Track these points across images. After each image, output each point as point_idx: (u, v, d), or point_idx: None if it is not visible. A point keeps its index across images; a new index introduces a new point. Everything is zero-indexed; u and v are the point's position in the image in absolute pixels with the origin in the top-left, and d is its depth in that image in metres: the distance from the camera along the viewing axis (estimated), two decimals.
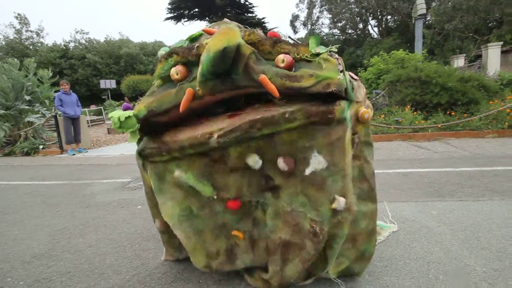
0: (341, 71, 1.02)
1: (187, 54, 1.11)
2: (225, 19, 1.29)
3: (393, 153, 4.17)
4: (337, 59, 1.06)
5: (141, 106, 1.15)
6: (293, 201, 1.13)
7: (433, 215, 2.05)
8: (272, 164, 1.10)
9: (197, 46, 1.09)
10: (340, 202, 1.07)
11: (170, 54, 1.14)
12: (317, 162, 1.05)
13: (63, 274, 1.56)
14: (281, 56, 1.05)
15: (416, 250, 1.61)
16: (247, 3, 16.61)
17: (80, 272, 1.57)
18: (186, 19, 17.55)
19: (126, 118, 1.14)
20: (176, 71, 1.12)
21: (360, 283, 1.36)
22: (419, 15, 9.14)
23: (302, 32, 25.84)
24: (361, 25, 23.88)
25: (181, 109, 1.07)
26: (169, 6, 16.63)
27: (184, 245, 1.27)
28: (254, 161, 1.10)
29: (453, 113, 5.62)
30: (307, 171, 1.07)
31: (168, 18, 17.46)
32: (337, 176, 1.07)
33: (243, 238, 1.26)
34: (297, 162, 1.08)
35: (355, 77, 1.24)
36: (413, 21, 9.81)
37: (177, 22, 17.75)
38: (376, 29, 23.32)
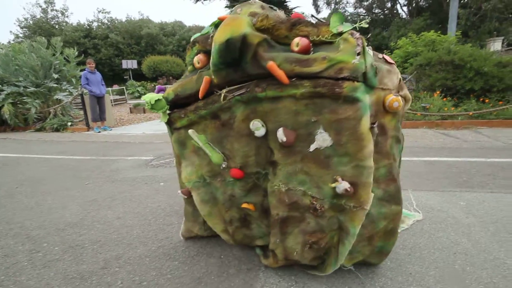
0: (358, 54, 0.93)
1: (205, 44, 1.19)
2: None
3: (419, 141, 3.99)
4: (357, 39, 0.96)
5: (170, 90, 1.28)
6: (291, 180, 1.13)
7: (461, 206, 1.96)
8: (274, 136, 1.10)
9: (212, 35, 1.13)
10: (340, 185, 1.03)
11: (194, 43, 1.25)
12: (322, 139, 1.04)
13: (94, 242, 1.67)
14: (296, 40, 1.03)
15: (442, 240, 1.56)
16: None
17: (110, 241, 1.67)
18: None
19: (156, 100, 1.26)
20: (198, 60, 1.21)
21: (381, 269, 1.35)
22: None
23: (325, 12, 24.59)
24: (389, 4, 22.34)
25: (200, 95, 1.16)
26: None
27: (199, 210, 1.35)
28: (257, 127, 1.10)
29: (487, 101, 5.25)
30: (312, 148, 1.06)
31: None
32: (343, 159, 1.03)
33: (254, 210, 1.30)
34: (300, 138, 1.06)
35: (390, 60, 1.13)
36: None
37: (197, 1, 17.42)
38: (405, 8, 21.75)
